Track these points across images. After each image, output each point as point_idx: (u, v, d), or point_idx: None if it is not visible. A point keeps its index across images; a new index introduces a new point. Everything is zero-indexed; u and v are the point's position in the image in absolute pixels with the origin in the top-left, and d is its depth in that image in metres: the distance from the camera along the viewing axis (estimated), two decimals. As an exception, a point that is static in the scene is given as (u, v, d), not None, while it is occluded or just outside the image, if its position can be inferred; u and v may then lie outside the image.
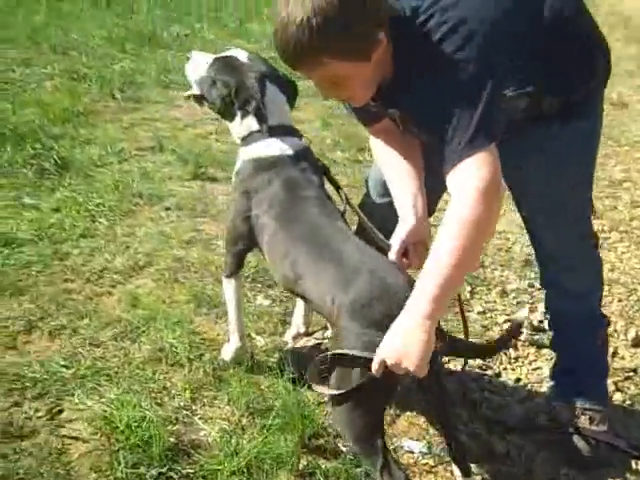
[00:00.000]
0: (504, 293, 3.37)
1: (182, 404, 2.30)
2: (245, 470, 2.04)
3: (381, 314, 1.82)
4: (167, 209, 3.58)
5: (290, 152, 2.26)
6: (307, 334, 2.59)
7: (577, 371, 2.44)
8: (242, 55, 2.32)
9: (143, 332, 2.60)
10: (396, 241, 2.06)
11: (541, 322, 3.10)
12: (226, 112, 2.35)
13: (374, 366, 1.75)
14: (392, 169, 2.17)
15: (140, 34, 7.09)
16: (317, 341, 2.55)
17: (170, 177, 3.99)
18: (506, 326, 3.04)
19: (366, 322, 1.83)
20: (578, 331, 2.41)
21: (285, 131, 2.31)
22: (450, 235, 1.73)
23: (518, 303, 3.29)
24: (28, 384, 2.30)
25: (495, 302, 3.28)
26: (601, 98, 2.14)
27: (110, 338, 2.57)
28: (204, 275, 3.02)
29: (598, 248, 2.41)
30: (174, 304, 2.80)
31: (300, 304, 2.58)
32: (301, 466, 2.11)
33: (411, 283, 1.84)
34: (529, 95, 1.96)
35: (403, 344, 1.71)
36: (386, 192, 2.27)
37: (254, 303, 2.91)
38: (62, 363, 2.40)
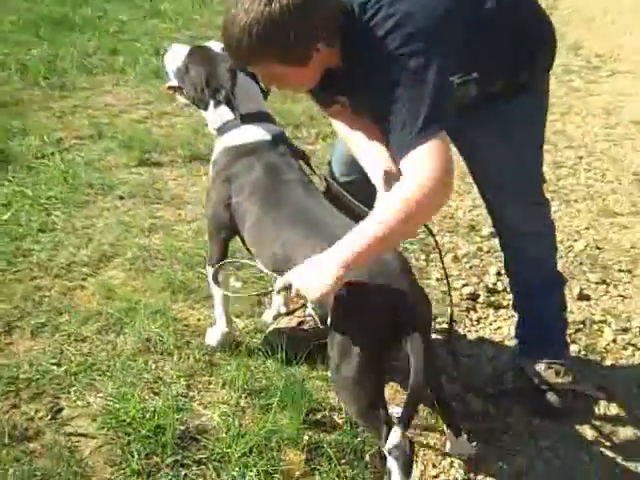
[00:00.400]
0: (456, 258, 3.52)
1: (179, 392, 2.35)
2: (255, 450, 2.11)
3: (377, 292, 1.91)
4: (121, 198, 3.57)
5: (268, 137, 2.33)
6: (288, 313, 2.66)
7: (539, 329, 2.61)
8: (217, 46, 2.35)
9: (126, 324, 2.62)
10: None
11: (495, 284, 3.29)
12: (200, 102, 2.39)
13: (278, 283, 1.90)
14: (359, 146, 2.21)
15: (51, 18, 6.86)
16: (300, 319, 2.63)
17: (116, 165, 3.95)
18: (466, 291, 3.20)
19: (364, 301, 1.92)
20: (538, 292, 2.58)
21: (259, 118, 2.37)
22: (393, 210, 1.80)
23: (471, 267, 3.45)
24: (22, 385, 2.31)
25: (450, 267, 3.43)
26: (547, 78, 2.28)
27: (94, 332, 2.58)
28: (173, 262, 3.04)
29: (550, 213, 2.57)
30: (150, 293, 2.83)
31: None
32: (305, 441, 2.20)
33: (401, 256, 1.98)
34: (476, 81, 2.08)
35: (313, 279, 1.83)
36: (350, 171, 2.39)
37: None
38: (52, 361, 2.41)
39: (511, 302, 2.76)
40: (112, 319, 2.64)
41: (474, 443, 2.30)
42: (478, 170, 2.43)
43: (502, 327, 3.01)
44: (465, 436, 2.26)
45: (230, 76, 2.32)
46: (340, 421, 2.33)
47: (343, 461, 2.15)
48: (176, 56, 2.39)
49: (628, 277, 3.46)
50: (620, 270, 3.51)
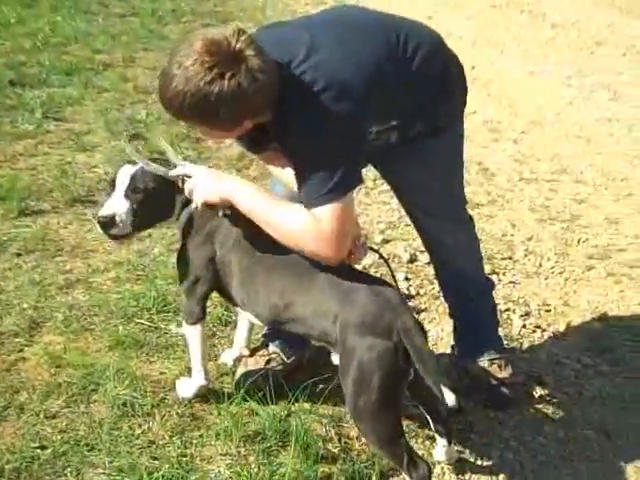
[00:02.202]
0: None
1: (178, 452, 2.33)
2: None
3: (386, 324, 2.06)
4: (19, 255, 3.36)
5: None
6: (250, 355, 2.71)
7: (476, 331, 2.88)
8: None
9: (92, 391, 2.54)
10: None
11: (408, 289, 3.51)
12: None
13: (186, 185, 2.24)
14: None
15: None
16: (266, 357, 2.69)
17: (-4, 218, 3.70)
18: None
19: (376, 333, 2.05)
20: (471, 300, 2.84)
21: None
22: (291, 225, 2.08)
23: (381, 276, 3.66)
24: (12, 476, 2.18)
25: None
26: (462, 114, 2.52)
27: (62, 406, 2.48)
28: (108, 317, 2.96)
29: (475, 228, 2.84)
30: (100, 354, 2.74)
31: (243, 327, 2.69)
32: (319, 476, 2.29)
33: (399, 292, 2.16)
34: (396, 128, 2.30)
35: (209, 185, 2.18)
36: None
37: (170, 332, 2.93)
38: (33, 445, 2.29)
39: (447, 310, 2.99)
40: (75, 389, 2.54)
41: (455, 448, 2.51)
42: (405, 197, 2.65)
43: (430, 330, 3.23)
44: (453, 443, 2.46)
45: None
46: (336, 450, 2.44)
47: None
48: None
49: (511, 264, 3.86)
50: (502, 258, 3.90)
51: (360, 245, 2.32)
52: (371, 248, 2.42)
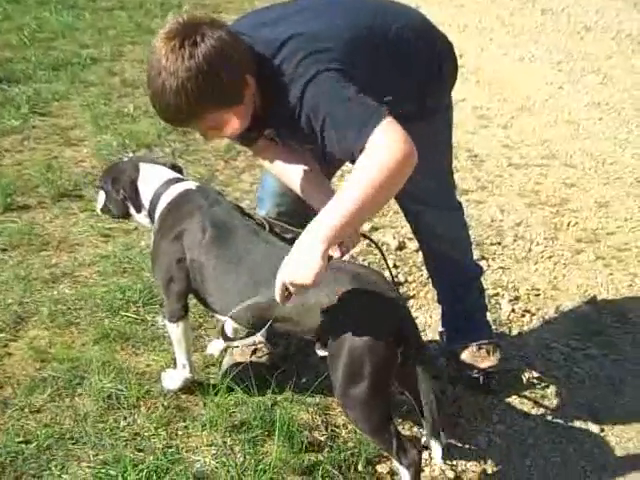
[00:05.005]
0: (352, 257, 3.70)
1: (163, 444, 2.32)
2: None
3: (377, 311, 2.04)
4: (4, 250, 3.34)
5: (191, 186, 2.44)
6: (237, 345, 2.70)
7: (465, 318, 2.87)
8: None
9: (77, 385, 2.52)
10: None
11: (396, 277, 3.49)
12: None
13: (277, 291, 1.85)
14: (297, 181, 2.29)
15: None
16: (254, 347, 2.68)
17: (-20, 215, 3.68)
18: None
19: (366, 321, 2.02)
20: (461, 287, 2.83)
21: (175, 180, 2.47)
22: (366, 179, 1.77)
23: (369, 264, 3.64)
24: (-4, 472, 2.17)
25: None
26: (450, 96, 2.50)
27: (47, 400, 2.47)
28: (94, 310, 2.94)
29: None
30: (85, 347, 2.73)
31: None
32: (305, 464, 2.28)
33: (385, 277, 2.14)
34: (388, 104, 2.28)
35: (300, 268, 1.79)
36: (282, 201, 2.50)
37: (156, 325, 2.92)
38: (18, 440, 2.28)
39: (436, 297, 2.97)
40: (60, 382, 2.53)
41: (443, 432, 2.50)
42: None
43: (418, 317, 3.22)
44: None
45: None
46: (322, 438, 2.43)
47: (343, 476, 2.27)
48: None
49: (500, 249, 3.85)
50: (492, 244, 3.89)
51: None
52: (363, 235, 2.39)
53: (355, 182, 1.78)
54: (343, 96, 1.90)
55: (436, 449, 2.12)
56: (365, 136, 1.80)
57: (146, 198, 2.44)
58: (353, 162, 1.86)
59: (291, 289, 1.85)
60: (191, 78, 1.87)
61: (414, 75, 2.26)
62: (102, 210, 2.59)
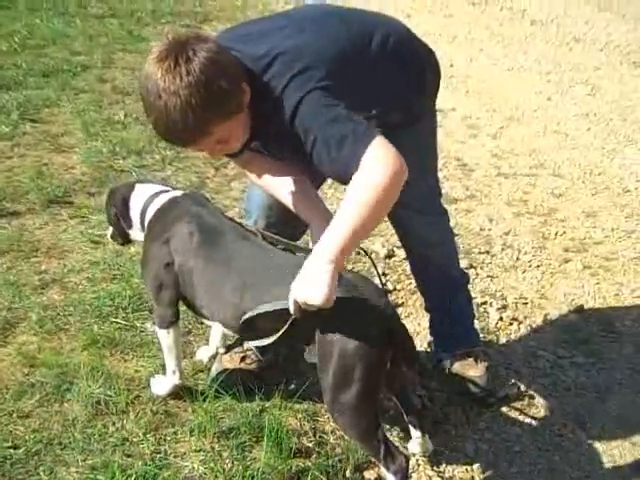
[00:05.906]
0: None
1: (152, 449, 2.33)
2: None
3: (367, 317, 2.05)
4: (-7, 256, 3.34)
5: (178, 193, 2.47)
6: (225, 352, 2.71)
7: (452, 325, 2.89)
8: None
9: (66, 390, 2.53)
10: None
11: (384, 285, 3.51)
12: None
13: (290, 307, 1.89)
14: (284, 193, 2.32)
15: None
16: (243, 354, 2.69)
17: (-31, 221, 3.68)
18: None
19: (357, 326, 2.02)
20: (448, 294, 2.86)
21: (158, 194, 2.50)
22: (364, 197, 1.85)
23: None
24: (-17, 477, 2.17)
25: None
26: (434, 104, 2.55)
27: (35, 406, 2.47)
28: (83, 317, 2.94)
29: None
30: (74, 353, 2.73)
31: (217, 325, 2.68)
32: (293, 470, 2.30)
33: (375, 284, 2.16)
34: (375, 117, 2.30)
35: (310, 285, 1.84)
36: (271, 213, 2.52)
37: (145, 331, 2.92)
38: (5, 445, 2.28)
39: (423, 304, 2.99)
40: (49, 388, 2.53)
41: (430, 439, 2.52)
42: None
43: (406, 324, 3.22)
44: (427, 435, 2.47)
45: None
46: (310, 444, 2.44)
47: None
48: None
49: (488, 258, 3.87)
50: (480, 252, 3.91)
51: None
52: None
53: (354, 201, 1.86)
54: (333, 116, 1.95)
55: (415, 437, 2.30)
56: (357, 158, 1.87)
57: (135, 213, 2.48)
58: (343, 182, 1.94)
59: (304, 306, 1.88)
60: (193, 93, 1.88)
61: (400, 84, 2.30)
62: (111, 236, 2.67)
